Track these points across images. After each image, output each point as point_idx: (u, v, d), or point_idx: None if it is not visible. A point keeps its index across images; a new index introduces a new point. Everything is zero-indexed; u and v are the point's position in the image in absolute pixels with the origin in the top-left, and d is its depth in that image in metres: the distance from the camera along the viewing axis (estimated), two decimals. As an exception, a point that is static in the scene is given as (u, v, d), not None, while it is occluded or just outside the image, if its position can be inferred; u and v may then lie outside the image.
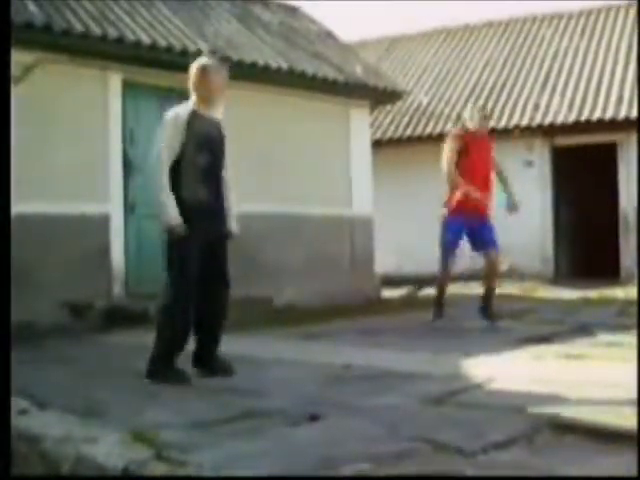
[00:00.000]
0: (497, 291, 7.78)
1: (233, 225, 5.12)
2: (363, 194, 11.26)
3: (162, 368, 4.81)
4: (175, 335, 4.85)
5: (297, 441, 3.38)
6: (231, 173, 5.16)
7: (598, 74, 14.60)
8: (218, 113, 5.14)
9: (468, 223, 7.29)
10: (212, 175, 4.95)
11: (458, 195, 7.21)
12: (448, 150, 7.32)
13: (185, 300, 4.84)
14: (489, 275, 7.45)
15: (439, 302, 7.54)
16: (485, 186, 7.34)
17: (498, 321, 7.41)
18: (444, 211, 7.35)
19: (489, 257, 7.37)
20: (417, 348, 6.23)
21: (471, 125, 7.43)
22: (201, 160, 4.86)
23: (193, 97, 5.01)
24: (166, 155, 4.80)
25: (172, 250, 4.86)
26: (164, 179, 4.79)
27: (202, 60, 5.13)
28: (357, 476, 2.82)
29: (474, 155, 7.28)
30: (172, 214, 4.76)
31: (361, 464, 2.91)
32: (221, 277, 5.04)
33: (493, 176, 7.53)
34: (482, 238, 7.33)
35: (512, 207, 7.48)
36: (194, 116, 4.90)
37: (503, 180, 7.57)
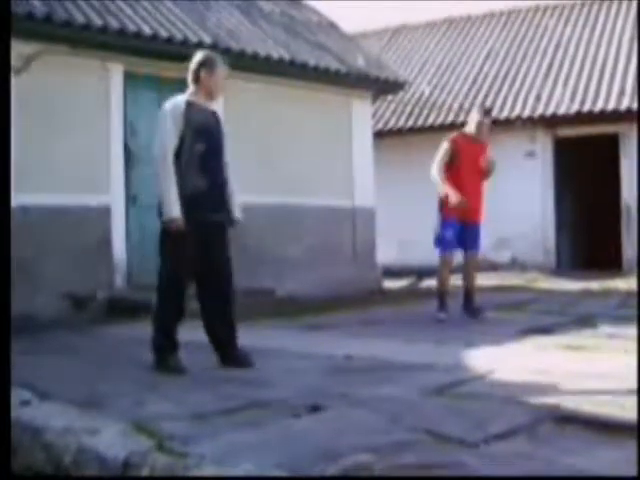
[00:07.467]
0: (488, 284, 7.79)
1: (236, 212, 5.14)
2: (365, 185, 11.25)
3: (162, 357, 4.90)
4: (166, 319, 4.94)
5: (298, 432, 3.38)
6: (229, 163, 5.18)
7: (601, 65, 14.55)
8: (216, 104, 5.19)
9: (461, 222, 7.44)
10: (211, 163, 4.95)
11: (446, 195, 7.33)
12: (440, 153, 7.48)
13: (176, 287, 4.91)
14: (467, 274, 7.66)
15: (442, 297, 7.52)
16: (474, 191, 7.44)
17: (483, 314, 7.49)
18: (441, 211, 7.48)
19: (468, 257, 7.65)
20: (419, 339, 6.24)
21: (469, 130, 7.60)
22: (199, 148, 4.87)
23: (192, 87, 5.05)
24: (168, 145, 4.83)
25: (167, 239, 4.91)
26: (169, 170, 4.80)
27: (206, 52, 5.17)
28: (357, 476, 2.81)
29: (465, 161, 7.40)
30: (173, 207, 4.79)
31: (362, 455, 2.91)
32: (219, 267, 5.03)
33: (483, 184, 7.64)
34: (467, 238, 7.51)
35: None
36: (191, 106, 4.93)
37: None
